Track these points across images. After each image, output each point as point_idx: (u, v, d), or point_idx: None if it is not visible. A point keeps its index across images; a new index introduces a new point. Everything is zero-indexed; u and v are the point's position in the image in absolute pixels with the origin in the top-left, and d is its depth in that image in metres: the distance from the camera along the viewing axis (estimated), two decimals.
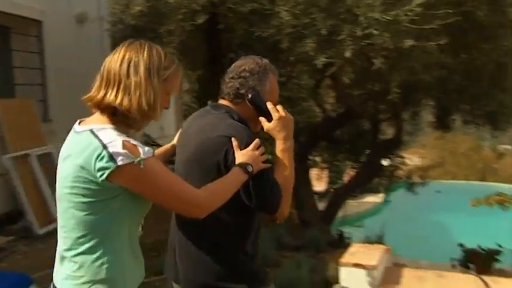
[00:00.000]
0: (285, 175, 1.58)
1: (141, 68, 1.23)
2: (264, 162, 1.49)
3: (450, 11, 3.15)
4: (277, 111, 1.61)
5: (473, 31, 3.68)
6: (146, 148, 1.21)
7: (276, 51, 3.83)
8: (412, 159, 12.27)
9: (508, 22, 3.63)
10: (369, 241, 7.35)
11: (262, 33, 3.59)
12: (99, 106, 1.25)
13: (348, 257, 3.85)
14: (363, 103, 4.99)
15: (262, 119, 1.62)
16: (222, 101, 1.65)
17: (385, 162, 7.13)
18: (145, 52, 1.26)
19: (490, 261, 5.15)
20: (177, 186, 1.29)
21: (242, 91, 1.58)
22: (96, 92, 1.25)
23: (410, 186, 8.09)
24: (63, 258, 1.28)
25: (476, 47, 3.70)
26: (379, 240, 8.16)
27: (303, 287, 3.82)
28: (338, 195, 6.68)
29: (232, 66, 1.65)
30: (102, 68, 1.26)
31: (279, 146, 1.61)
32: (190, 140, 1.60)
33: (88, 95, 1.26)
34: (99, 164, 1.15)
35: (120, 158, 1.15)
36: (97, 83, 1.25)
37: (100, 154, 1.15)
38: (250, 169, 1.43)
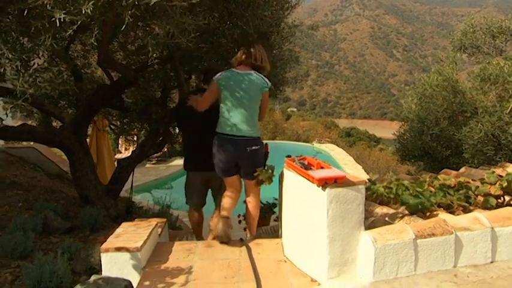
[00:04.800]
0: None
1: None
2: None
3: None
4: None
5: None
6: None
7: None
8: None
9: None
10: (150, 215, 7.20)
11: None
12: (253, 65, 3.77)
13: (111, 240, 3.47)
14: (137, 70, 4.53)
15: None
16: None
17: None
18: None
19: (268, 212, 5.64)
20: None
21: None
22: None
23: None
24: (247, 121, 3.68)
25: (237, 15, 3.64)
26: (164, 208, 8.14)
27: (57, 281, 3.30)
28: (121, 167, 6.19)
29: None
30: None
31: None
32: None
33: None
34: (265, 89, 3.73)
35: (269, 86, 3.76)
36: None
37: (265, 85, 3.71)
38: None
